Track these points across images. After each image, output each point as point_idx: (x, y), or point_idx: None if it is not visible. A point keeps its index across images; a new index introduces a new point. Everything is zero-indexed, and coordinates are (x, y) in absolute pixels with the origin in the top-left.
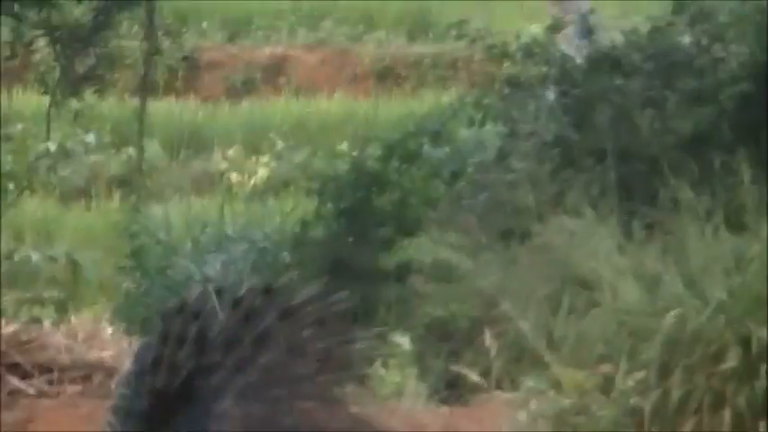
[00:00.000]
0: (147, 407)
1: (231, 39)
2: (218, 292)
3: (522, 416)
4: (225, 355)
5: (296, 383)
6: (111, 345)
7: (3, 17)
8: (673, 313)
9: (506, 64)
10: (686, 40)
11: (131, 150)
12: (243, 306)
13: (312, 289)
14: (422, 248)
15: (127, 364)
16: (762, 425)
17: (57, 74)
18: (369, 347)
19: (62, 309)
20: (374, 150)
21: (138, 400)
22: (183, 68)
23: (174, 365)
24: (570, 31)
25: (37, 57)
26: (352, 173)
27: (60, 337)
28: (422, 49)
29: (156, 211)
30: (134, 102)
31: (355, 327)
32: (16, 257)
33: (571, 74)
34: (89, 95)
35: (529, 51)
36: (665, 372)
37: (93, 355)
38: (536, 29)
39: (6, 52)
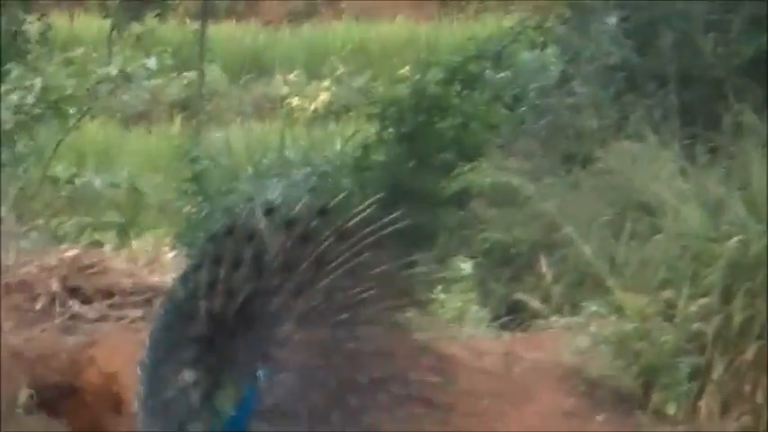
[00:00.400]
0: (204, 331)
1: None
2: (271, 213)
3: (583, 341)
4: (284, 279)
5: (357, 308)
6: (172, 269)
7: None
8: (735, 238)
9: None
10: None
11: (192, 74)
12: (297, 227)
13: (368, 210)
14: (483, 173)
15: (174, 286)
16: None
17: None
18: (430, 272)
19: (123, 233)
20: (435, 74)
21: (194, 325)
22: None
23: (229, 288)
24: None
25: None
26: (414, 97)
27: (121, 262)
28: None
29: (217, 135)
30: (195, 25)
31: (416, 252)
32: (78, 182)
33: None
34: (150, 19)
35: None
36: (727, 297)
37: (154, 279)
38: None
39: None
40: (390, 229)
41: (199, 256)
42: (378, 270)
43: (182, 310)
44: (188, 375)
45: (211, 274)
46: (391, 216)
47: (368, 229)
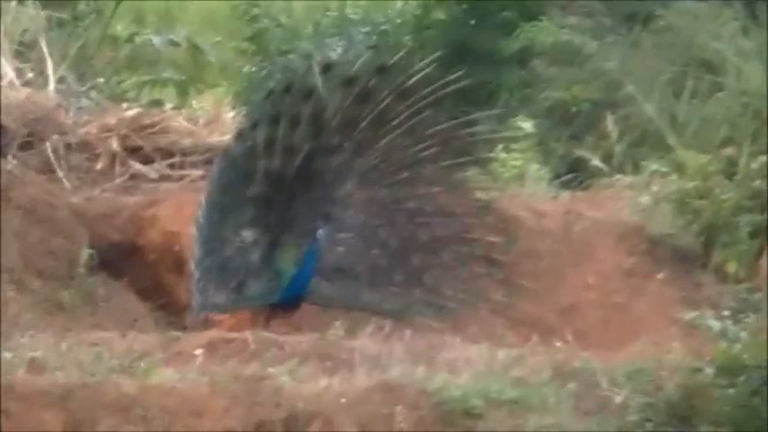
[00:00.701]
0: (264, 190)
1: None
2: (329, 70)
3: (645, 199)
4: (343, 138)
5: (417, 167)
6: (232, 128)
7: None
8: None
9: None
10: None
11: None
12: (356, 85)
13: (428, 68)
14: (544, 31)
15: (229, 145)
16: None
17: None
18: (490, 131)
19: (183, 91)
20: None
21: (252, 184)
22: None
23: (288, 147)
24: None
25: None
26: None
27: (182, 121)
28: None
29: None
30: None
31: (477, 110)
32: (137, 41)
33: None
34: None
35: None
36: None
37: (215, 138)
38: None
39: None
40: (451, 88)
41: (256, 113)
42: (437, 128)
43: (239, 169)
44: (247, 234)
45: (269, 132)
46: (451, 75)
47: (428, 89)
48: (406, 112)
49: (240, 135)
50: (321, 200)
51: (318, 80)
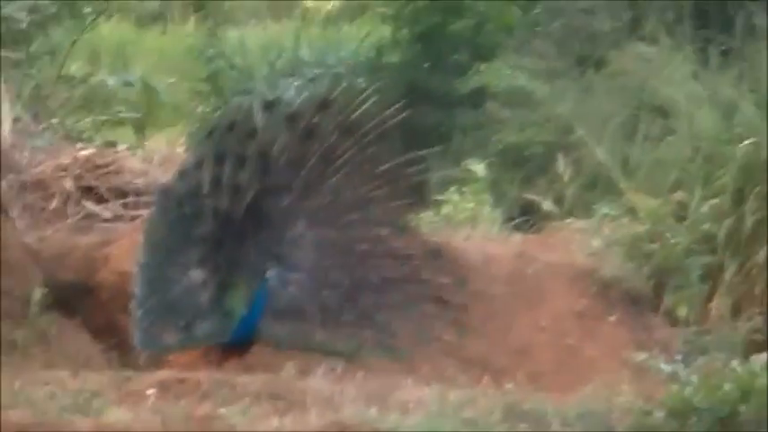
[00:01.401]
0: (212, 230)
1: None
2: (271, 108)
3: (596, 242)
4: (291, 177)
5: (368, 207)
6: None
7: None
8: (747, 140)
9: None
10: None
11: None
12: (300, 122)
13: (368, 102)
14: (497, 74)
15: (170, 184)
16: None
17: None
18: (443, 173)
19: (138, 132)
20: None
21: (199, 224)
22: None
23: (235, 186)
24: None
25: None
26: None
27: (136, 162)
28: None
29: (232, 35)
30: None
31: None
32: (92, 81)
33: None
34: None
35: None
36: (739, 198)
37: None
38: None
39: None
40: (392, 122)
41: (198, 152)
42: (384, 167)
43: (183, 208)
44: (196, 275)
45: (214, 171)
46: (392, 108)
47: (370, 124)
48: (351, 149)
49: (182, 173)
50: (271, 240)
51: (259, 118)
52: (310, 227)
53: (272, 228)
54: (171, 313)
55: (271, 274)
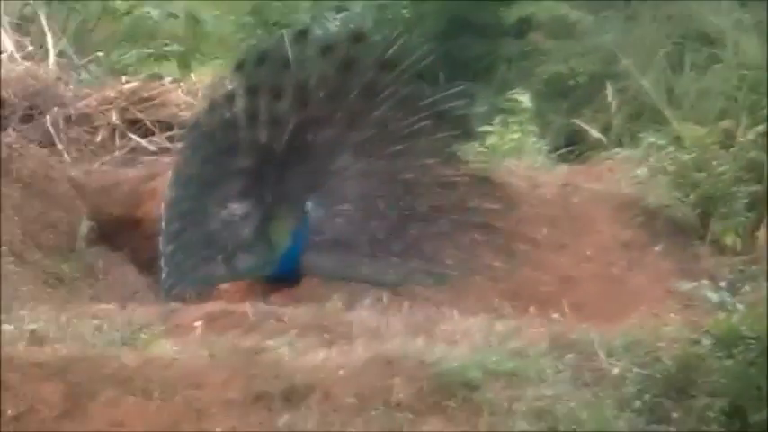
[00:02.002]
0: (251, 163)
1: None
2: (302, 39)
3: (642, 171)
4: (333, 109)
5: (413, 139)
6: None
7: None
8: None
9: None
10: None
11: None
12: (335, 53)
13: (402, 39)
14: (541, 4)
15: (199, 118)
16: None
17: None
18: (488, 104)
19: (183, 64)
20: None
21: (238, 157)
22: None
23: (274, 118)
24: None
25: None
26: None
27: (181, 94)
28: None
29: None
30: None
31: (474, 82)
32: (136, 14)
33: None
34: None
35: None
36: None
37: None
38: None
39: None
40: (428, 60)
41: (228, 85)
42: (429, 100)
43: (217, 142)
44: (236, 208)
45: (249, 103)
46: (423, 49)
47: (411, 59)
48: (393, 84)
49: (212, 106)
50: (314, 173)
51: (289, 50)
52: (355, 159)
53: (315, 160)
54: (210, 247)
55: (310, 206)
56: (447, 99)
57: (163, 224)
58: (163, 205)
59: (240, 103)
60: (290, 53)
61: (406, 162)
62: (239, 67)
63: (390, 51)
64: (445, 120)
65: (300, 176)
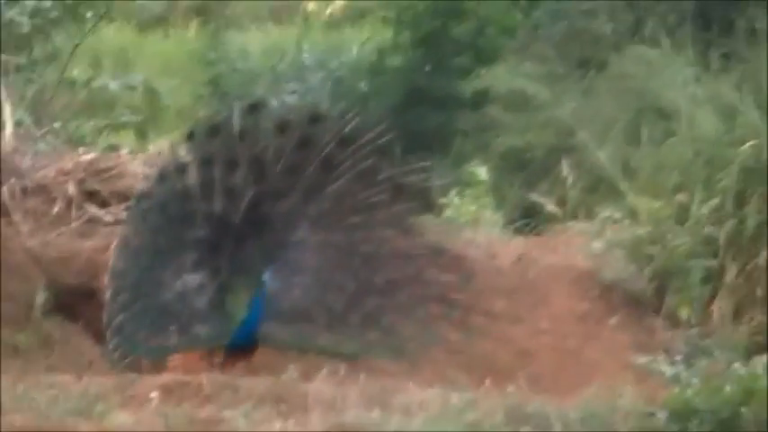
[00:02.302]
0: (208, 234)
1: None
2: (255, 112)
3: (598, 245)
4: (290, 183)
5: (369, 212)
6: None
7: None
8: (749, 143)
9: None
10: None
11: None
12: (294, 131)
13: (356, 119)
14: (498, 77)
15: (152, 186)
16: None
17: None
18: (449, 176)
19: (141, 135)
20: None
21: (193, 228)
22: None
23: (231, 190)
24: None
25: None
26: (430, 1)
27: (138, 165)
28: None
29: (235, 39)
30: None
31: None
32: (94, 85)
33: None
34: None
35: None
36: (740, 201)
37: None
38: None
39: None
40: (386, 136)
41: (179, 156)
42: (387, 174)
43: (170, 211)
44: (191, 279)
45: (203, 174)
46: (379, 126)
47: (367, 136)
48: (350, 158)
49: (163, 176)
50: (271, 244)
51: (238, 122)
52: (313, 231)
53: (272, 231)
54: (163, 317)
55: (267, 276)
56: (406, 173)
57: (108, 294)
58: (108, 276)
59: (193, 174)
60: (238, 125)
61: (363, 234)
62: (189, 137)
63: (347, 129)
64: (404, 192)
65: (257, 247)
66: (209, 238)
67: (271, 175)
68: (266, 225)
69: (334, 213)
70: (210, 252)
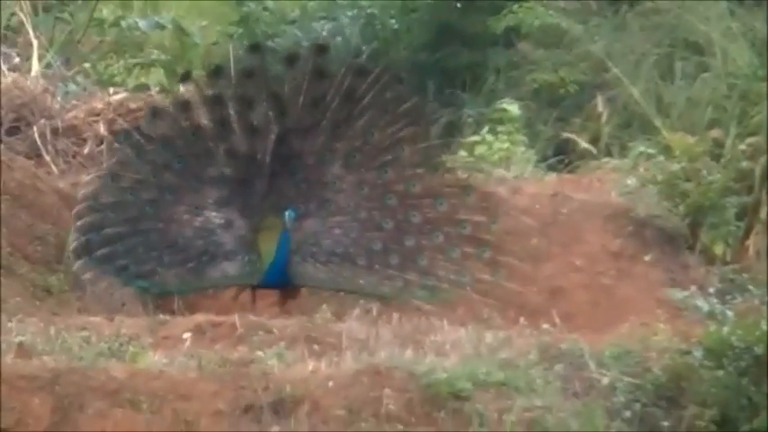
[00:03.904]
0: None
1: None
2: (257, 51)
3: (632, 181)
4: (317, 118)
5: (399, 148)
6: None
7: None
8: None
9: None
10: None
11: None
12: (301, 63)
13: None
14: (531, 13)
15: (144, 122)
16: None
17: None
18: (477, 113)
19: (170, 74)
20: None
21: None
22: None
23: (251, 127)
24: None
25: None
26: None
27: None
28: None
29: None
30: None
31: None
32: (123, 25)
33: None
34: None
35: None
36: None
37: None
38: None
39: None
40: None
41: (191, 93)
42: (409, 105)
43: (177, 148)
44: (213, 216)
45: (216, 112)
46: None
47: (385, 66)
48: (371, 89)
49: (155, 113)
50: (300, 183)
51: (243, 60)
52: (346, 170)
53: (303, 170)
54: (176, 253)
55: (289, 215)
56: (429, 103)
57: (78, 216)
58: (79, 203)
59: (201, 112)
60: (237, 65)
61: (395, 172)
62: (184, 78)
63: (361, 58)
64: (431, 127)
65: (286, 186)
66: (235, 177)
67: (293, 111)
68: (297, 163)
69: (364, 151)
70: (237, 190)
